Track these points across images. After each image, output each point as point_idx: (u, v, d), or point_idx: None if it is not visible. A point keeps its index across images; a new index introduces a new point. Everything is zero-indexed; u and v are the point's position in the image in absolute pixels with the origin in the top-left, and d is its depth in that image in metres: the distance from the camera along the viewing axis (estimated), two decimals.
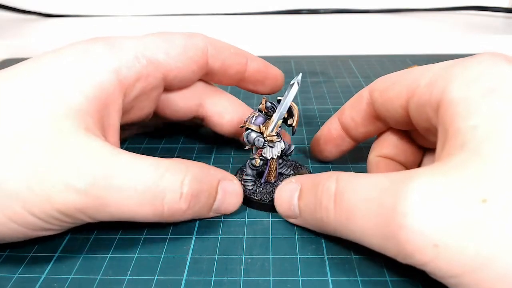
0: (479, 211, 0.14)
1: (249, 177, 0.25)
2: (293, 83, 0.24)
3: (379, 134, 0.26)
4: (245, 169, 0.25)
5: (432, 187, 0.15)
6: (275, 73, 0.30)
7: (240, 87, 0.30)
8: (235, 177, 0.24)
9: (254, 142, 0.24)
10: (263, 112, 0.24)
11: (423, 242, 0.15)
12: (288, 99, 0.23)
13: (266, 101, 0.24)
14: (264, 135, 0.23)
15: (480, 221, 0.14)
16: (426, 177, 0.16)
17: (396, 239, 0.16)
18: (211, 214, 0.23)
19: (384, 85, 0.23)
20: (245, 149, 0.25)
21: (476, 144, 0.15)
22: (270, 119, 0.24)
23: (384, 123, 0.24)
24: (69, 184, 0.18)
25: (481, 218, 0.14)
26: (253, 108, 0.30)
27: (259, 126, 0.24)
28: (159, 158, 0.21)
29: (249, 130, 0.24)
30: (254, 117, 0.24)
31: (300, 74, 0.25)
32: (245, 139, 0.24)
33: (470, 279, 0.14)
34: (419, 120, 0.20)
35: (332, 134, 0.27)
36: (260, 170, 0.25)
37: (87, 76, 0.21)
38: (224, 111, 0.29)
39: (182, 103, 0.28)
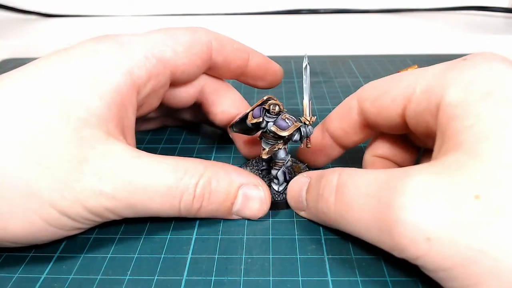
0: (472, 207, 0.15)
1: (285, 186, 0.25)
2: (306, 65, 0.24)
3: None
4: (276, 183, 0.25)
5: (427, 183, 0.16)
6: (275, 69, 0.30)
7: (239, 81, 0.31)
8: (263, 183, 0.23)
9: (307, 134, 0.23)
10: (280, 111, 0.23)
11: (416, 235, 0.15)
12: (308, 81, 0.24)
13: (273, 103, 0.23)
14: (308, 123, 0.23)
15: (472, 216, 0.14)
16: (422, 173, 0.16)
17: (391, 233, 0.16)
18: (234, 217, 0.23)
19: (374, 94, 0.22)
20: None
21: (471, 143, 0.16)
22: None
23: (376, 130, 0.24)
24: (97, 190, 0.19)
25: (473, 213, 0.14)
26: (248, 103, 0.30)
27: (298, 118, 0.23)
28: (179, 158, 0.22)
29: (300, 128, 0.23)
30: (288, 119, 0.23)
31: (306, 54, 0.25)
32: (302, 138, 0.23)
33: (461, 272, 0.15)
34: (418, 127, 0.20)
35: (320, 145, 0.26)
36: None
37: (102, 79, 0.21)
38: (220, 101, 0.29)
39: (184, 93, 0.28)
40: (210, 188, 0.21)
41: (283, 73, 0.31)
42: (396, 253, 0.17)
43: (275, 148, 0.24)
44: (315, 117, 0.23)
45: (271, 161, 0.26)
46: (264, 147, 0.24)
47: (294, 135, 0.23)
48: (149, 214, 0.21)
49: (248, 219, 0.24)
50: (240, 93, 0.30)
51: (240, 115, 0.25)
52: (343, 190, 0.19)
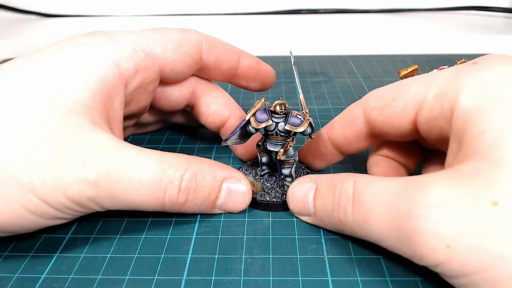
0: (490, 213, 0.15)
1: None
2: (294, 61, 0.25)
3: None
4: (290, 181, 0.25)
5: (445, 192, 0.16)
6: (267, 70, 0.31)
7: (232, 83, 0.31)
8: (244, 176, 0.23)
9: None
10: (283, 110, 0.23)
11: (435, 243, 0.15)
12: (297, 75, 0.24)
13: (277, 104, 0.23)
14: (307, 116, 0.23)
15: (490, 223, 0.15)
16: (439, 183, 0.16)
17: (411, 242, 0.16)
18: (217, 211, 0.24)
19: (381, 102, 0.22)
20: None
21: (486, 149, 0.16)
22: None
23: (382, 138, 0.24)
24: (80, 176, 0.19)
25: (491, 220, 0.15)
26: (248, 104, 0.30)
27: (302, 112, 0.23)
28: (164, 152, 0.21)
29: (310, 121, 0.23)
30: (299, 115, 0.23)
31: (290, 51, 0.26)
32: (313, 129, 0.23)
33: (481, 277, 0.15)
34: (431, 133, 0.20)
35: (321, 151, 0.26)
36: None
37: (89, 70, 0.22)
38: (212, 102, 0.29)
39: (176, 92, 0.29)
40: (195, 182, 0.21)
41: (275, 73, 0.31)
42: (416, 261, 0.17)
43: (287, 147, 0.24)
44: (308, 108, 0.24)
45: (270, 163, 0.26)
46: (271, 149, 0.24)
47: (308, 129, 0.23)
48: (132, 206, 0.21)
49: (230, 213, 0.24)
50: (240, 94, 0.30)
51: (234, 128, 0.24)
52: (360, 199, 0.19)
